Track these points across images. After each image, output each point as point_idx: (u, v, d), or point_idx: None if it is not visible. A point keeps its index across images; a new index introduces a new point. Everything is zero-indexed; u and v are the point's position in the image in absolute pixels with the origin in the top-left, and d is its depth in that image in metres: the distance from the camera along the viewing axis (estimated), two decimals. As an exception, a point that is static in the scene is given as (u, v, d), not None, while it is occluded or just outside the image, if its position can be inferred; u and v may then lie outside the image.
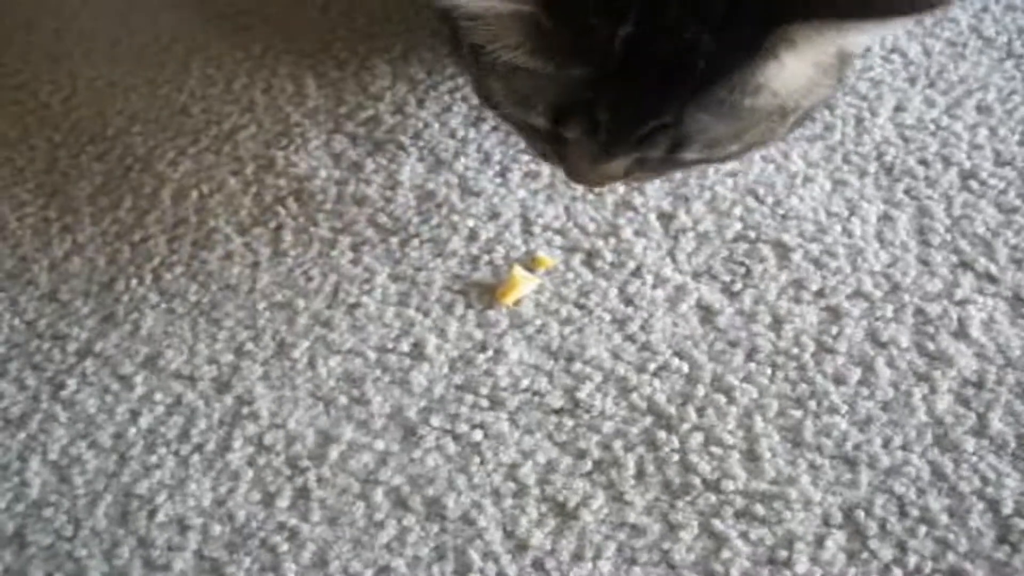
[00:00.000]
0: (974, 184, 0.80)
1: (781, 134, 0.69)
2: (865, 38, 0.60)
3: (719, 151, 0.66)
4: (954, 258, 0.76)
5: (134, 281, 0.81)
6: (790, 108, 0.64)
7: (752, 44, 0.59)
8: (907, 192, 0.81)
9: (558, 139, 0.67)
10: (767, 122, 0.65)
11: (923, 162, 0.82)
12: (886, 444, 0.66)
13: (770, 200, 0.81)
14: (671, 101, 0.62)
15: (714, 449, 0.67)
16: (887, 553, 0.61)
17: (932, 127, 0.85)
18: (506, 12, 0.59)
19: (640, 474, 0.66)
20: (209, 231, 0.84)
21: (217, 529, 0.66)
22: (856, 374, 0.70)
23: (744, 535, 0.63)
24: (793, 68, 0.61)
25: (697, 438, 0.67)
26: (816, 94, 0.65)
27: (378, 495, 0.67)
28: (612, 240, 0.79)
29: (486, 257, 0.79)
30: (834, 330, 0.72)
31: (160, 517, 0.67)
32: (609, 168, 0.68)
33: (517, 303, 0.76)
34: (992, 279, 0.74)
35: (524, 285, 0.76)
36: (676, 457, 0.67)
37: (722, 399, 0.69)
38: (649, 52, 0.60)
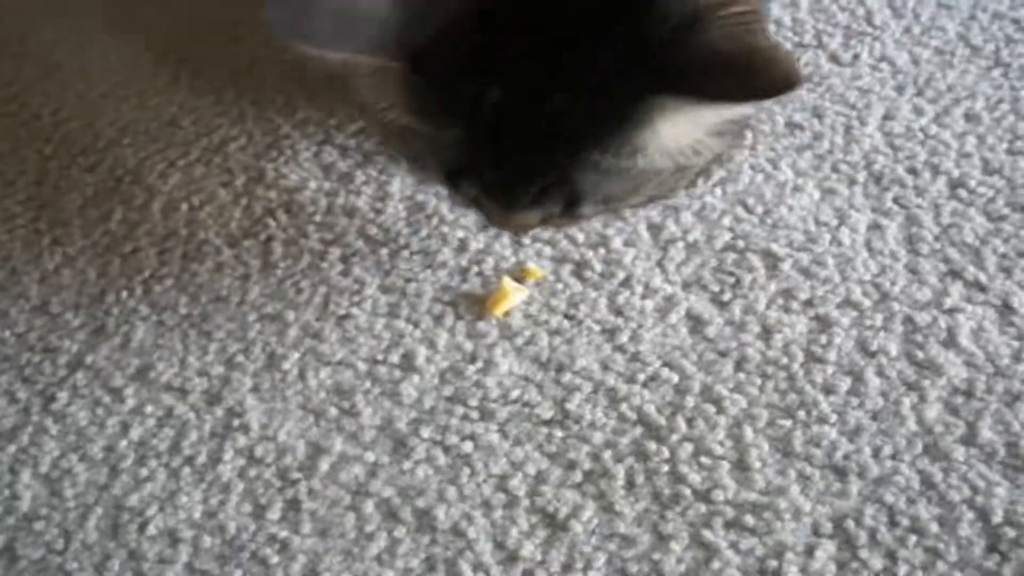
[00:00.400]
0: (963, 192, 0.81)
1: (684, 185, 0.70)
2: (732, 114, 0.61)
3: (619, 204, 0.67)
4: (943, 267, 0.76)
5: (124, 293, 0.81)
6: (684, 165, 0.65)
7: (622, 112, 0.60)
8: (896, 201, 0.81)
9: (461, 195, 0.68)
10: (664, 177, 0.65)
11: (912, 171, 0.83)
12: (876, 453, 0.66)
13: (759, 210, 0.81)
14: (552, 163, 0.62)
15: (704, 459, 0.67)
16: (877, 563, 0.61)
17: (921, 136, 0.85)
18: (373, 69, 0.60)
19: (630, 485, 0.66)
20: (199, 243, 0.84)
21: (208, 541, 0.66)
22: (846, 383, 0.70)
23: (734, 545, 0.63)
24: (672, 133, 0.61)
25: (687, 448, 0.67)
26: (712, 152, 0.65)
27: (368, 507, 0.67)
28: (601, 250, 0.79)
29: (476, 268, 0.79)
30: (823, 339, 0.72)
31: (151, 530, 0.67)
32: (519, 220, 0.68)
33: (507, 314, 0.76)
34: (981, 287, 0.74)
35: (514, 296, 0.76)
36: (666, 467, 0.67)
37: (712, 409, 0.69)
38: (522, 116, 0.60)
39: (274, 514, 0.67)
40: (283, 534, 0.66)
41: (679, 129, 0.61)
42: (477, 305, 0.77)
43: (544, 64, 0.60)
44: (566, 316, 0.76)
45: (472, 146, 0.62)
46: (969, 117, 0.86)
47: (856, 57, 0.91)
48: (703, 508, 0.64)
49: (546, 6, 0.60)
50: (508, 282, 0.77)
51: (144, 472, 0.70)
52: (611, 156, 0.61)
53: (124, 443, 0.72)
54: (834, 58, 0.92)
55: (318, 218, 0.84)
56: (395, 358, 0.74)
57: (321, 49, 0.58)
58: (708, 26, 0.59)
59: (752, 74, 0.57)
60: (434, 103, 0.61)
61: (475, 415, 0.71)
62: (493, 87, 0.60)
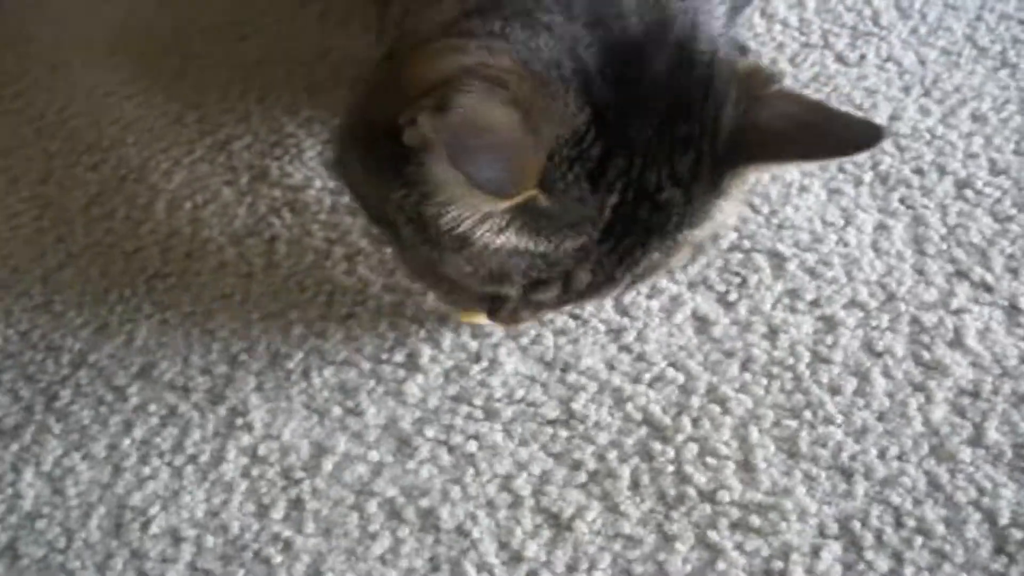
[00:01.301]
0: (969, 193, 0.80)
1: (692, 261, 0.74)
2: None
3: (643, 281, 0.67)
4: (950, 267, 0.76)
5: (127, 291, 0.81)
6: (710, 237, 0.67)
7: (712, 190, 0.61)
8: (902, 201, 0.80)
9: (496, 298, 0.66)
10: (692, 251, 0.67)
11: (918, 171, 0.82)
12: (882, 454, 0.66)
13: (765, 210, 0.80)
14: (646, 253, 0.62)
15: (709, 460, 0.66)
16: (883, 564, 0.61)
17: (927, 136, 0.85)
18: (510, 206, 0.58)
19: (635, 485, 0.66)
20: (203, 241, 0.83)
21: (211, 541, 0.66)
22: (852, 384, 0.69)
23: (740, 546, 0.62)
24: (733, 201, 0.63)
25: (692, 449, 0.67)
26: (734, 218, 0.68)
27: (372, 506, 0.66)
28: (607, 250, 0.79)
29: (481, 267, 0.79)
30: (829, 340, 0.72)
31: (153, 529, 0.67)
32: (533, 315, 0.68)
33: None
34: (988, 288, 0.74)
35: None
36: (671, 468, 0.66)
37: (717, 409, 0.69)
38: (632, 215, 0.60)
39: (277, 513, 0.67)
40: (286, 533, 0.66)
41: (736, 200, 0.63)
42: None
43: (649, 159, 0.59)
44: (571, 316, 0.75)
45: (577, 253, 0.61)
46: (976, 118, 0.86)
47: (863, 57, 0.91)
48: (708, 509, 0.64)
49: (635, 96, 0.60)
50: None
51: (147, 471, 0.70)
52: (690, 231, 0.63)
53: (127, 442, 0.71)
54: (840, 58, 0.91)
55: (322, 217, 0.84)
56: (399, 357, 0.74)
57: (486, 194, 0.55)
58: (767, 92, 0.61)
59: (840, 131, 0.60)
60: (556, 218, 0.58)
61: (480, 415, 0.70)
62: (613, 193, 0.59)
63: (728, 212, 0.64)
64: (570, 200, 0.58)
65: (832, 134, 0.60)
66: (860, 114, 0.86)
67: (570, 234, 0.59)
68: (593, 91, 0.58)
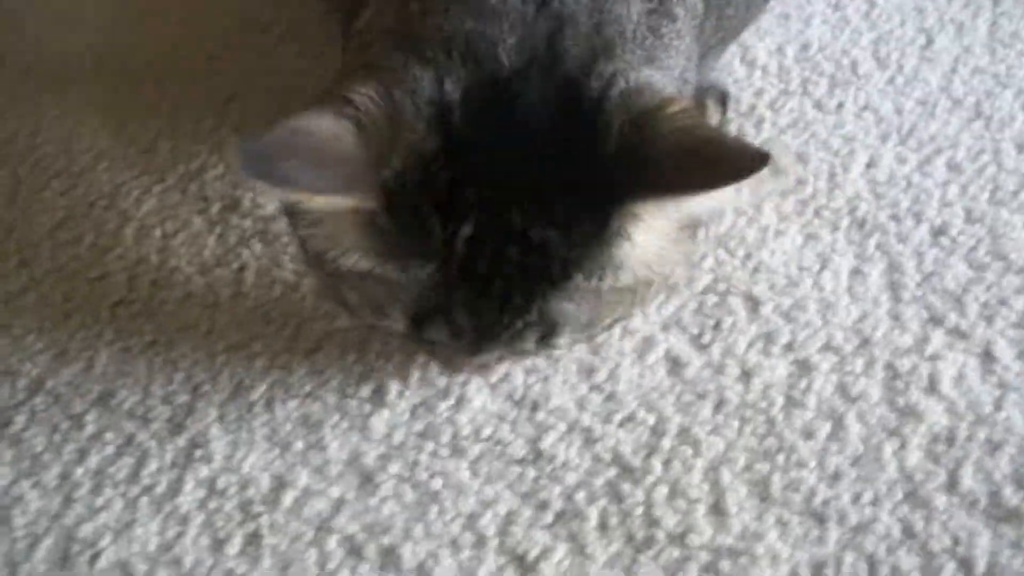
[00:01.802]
0: (945, 240, 0.80)
1: (649, 302, 0.69)
2: (701, 208, 0.61)
3: (591, 331, 0.65)
4: (925, 313, 0.75)
5: (90, 318, 0.79)
6: (652, 280, 0.64)
7: (599, 230, 0.59)
8: (878, 247, 0.80)
9: (423, 340, 0.65)
10: (634, 295, 0.64)
11: (894, 217, 0.82)
12: (855, 500, 0.65)
13: (741, 253, 0.80)
14: (531, 298, 0.60)
15: (679, 502, 0.65)
16: (855, 612, 0.60)
17: (904, 183, 0.85)
18: (344, 210, 0.59)
19: (603, 527, 0.64)
20: (170, 270, 0.82)
21: (162, 575, 0.63)
22: (825, 428, 0.69)
23: (709, 591, 0.61)
24: (646, 240, 0.60)
25: (662, 491, 0.66)
26: (672, 264, 0.64)
27: (331, 543, 0.65)
28: (580, 288, 0.78)
29: (451, 301, 0.78)
30: (803, 384, 0.71)
31: (102, 562, 0.65)
32: (481, 360, 0.66)
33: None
34: (962, 335, 0.74)
35: None
36: (640, 510, 0.65)
37: (688, 451, 0.68)
38: (496, 252, 0.59)
39: (233, 548, 0.65)
40: (241, 569, 0.64)
41: (651, 236, 0.60)
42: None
43: (513, 194, 0.59)
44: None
45: (442, 287, 0.60)
46: (951, 166, 0.86)
47: (841, 105, 0.91)
48: (677, 552, 0.63)
49: (504, 131, 0.60)
50: None
51: (99, 501, 0.68)
52: (594, 279, 0.60)
53: (80, 471, 0.69)
54: (819, 105, 0.91)
55: (292, 248, 0.82)
56: (365, 392, 0.73)
57: (293, 190, 0.57)
58: (660, 125, 0.59)
59: (721, 160, 0.58)
60: (404, 244, 0.59)
61: (445, 452, 0.69)
62: (465, 223, 0.58)
63: (651, 253, 0.61)
64: (415, 225, 0.58)
65: (721, 162, 0.58)
66: (833, 160, 0.86)
67: (418, 262, 0.59)
68: (450, 122, 0.59)
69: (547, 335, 0.62)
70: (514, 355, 0.67)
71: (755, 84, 0.93)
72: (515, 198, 0.59)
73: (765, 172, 0.56)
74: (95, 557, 0.65)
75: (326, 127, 0.58)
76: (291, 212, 0.64)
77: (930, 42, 0.97)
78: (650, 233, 0.60)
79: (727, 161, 0.58)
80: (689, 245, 0.66)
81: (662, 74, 0.65)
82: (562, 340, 0.63)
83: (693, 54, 0.72)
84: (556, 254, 0.59)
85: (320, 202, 0.58)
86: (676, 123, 0.59)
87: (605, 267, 0.60)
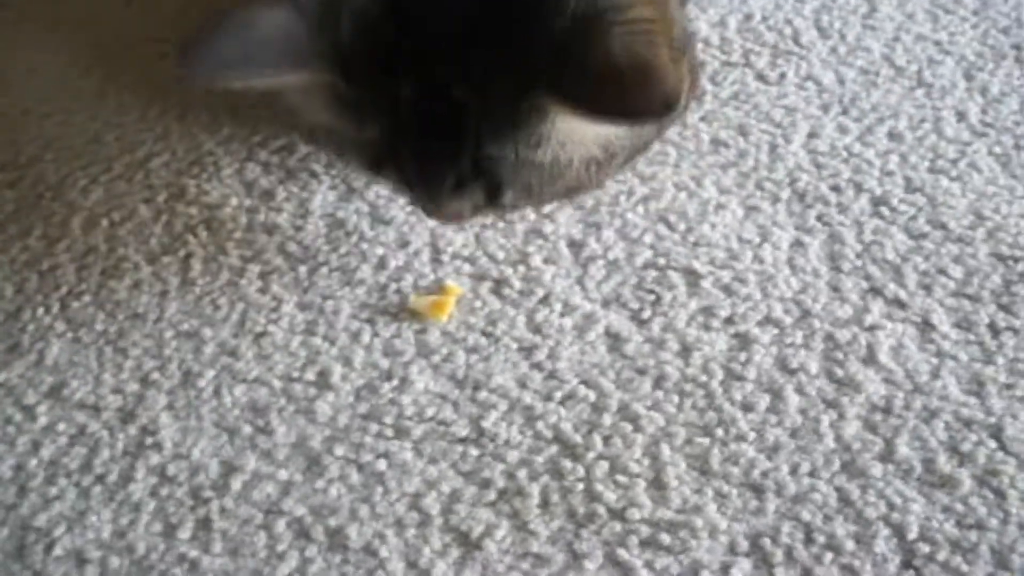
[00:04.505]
0: (885, 210, 0.81)
1: (606, 177, 0.72)
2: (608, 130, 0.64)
3: (540, 195, 0.69)
4: (864, 284, 0.76)
5: (40, 310, 0.79)
6: (602, 157, 0.66)
7: (515, 106, 0.62)
8: (819, 218, 0.81)
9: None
10: (578, 170, 0.67)
11: (835, 188, 0.83)
12: (793, 471, 0.66)
13: (682, 227, 0.81)
14: (462, 155, 0.64)
15: (620, 478, 0.66)
16: (792, 580, 0.61)
17: (844, 154, 0.85)
18: (300, 85, 0.64)
19: (545, 503, 0.65)
20: (118, 260, 0.82)
21: (116, 562, 0.64)
22: (765, 401, 0.70)
23: (649, 564, 0.62)
24: (570, 127, 0.62)
25: (603, 467, 0.67)
26: (624, 146, 0.67)
27: (280, 526, 0.65)
28: (521, 268, 0.79)
29: (394, 286, 0.79)
30: (743, 357, 0.72)
31: (57, 551, 0.65)
32: (448, 209, 0.70)
33: (422, 331, 0.75)
34: (901, 304, 0.75)
35: (453, 297, 0.77)
36: (581, 486, 0.66)
37: (628, 427, 0.69)
38: (433, 111, 0.63)
39: (185, 533, 0.65)
40: (193, 553, 0.64)
41: (577, 123, 0.62)
42: (395, 322, 0.76)
43: (450, 60, 0.62)
44: (484, 334, 0.75)
45: (391, 142, 0.65)
46: (892, 136, 0.87)
47: (782, 76, 0.92)
48: (618, 527, 0.64)
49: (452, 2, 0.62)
50: (450, 283, 0.77)
51: (53, 491, 0.68)
52: (518, 147, 0.63)
53: (34, 462, 0.70)
54: (761, 77, 0.92)
55: (238, 235, 0.83)
56: (311, 375, 0.73)
57: (242, 80, 0.60)
58: (606, 30, 0.59)
59: (632, 92, 0.58)
60: (359, 105, 0.63)
61: (390, 433, 0.70)
62: (406, 85, 0.62)
63: (582, 133, 0.63)
64: (367, 87, 0.62)
65: (633, 97, 0.58)
66: (774, 131, 0.87)
67: (370, 122, 0.65)
68: None
69: (493, 192, 0.67)
70: (474, 211, 0.71)
71: (697, 56, 0.94)
72: (442, 58, 0.62)
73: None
74: (50, 546, 0.65)
75: (265, 16, 0.61)
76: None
77: (873, 10, 0.97)
78: (568, 123, 0.62)
79: (637, 96, 0.58)
80: (649, 132, 0.69)
81: None
82: (507, 199, 0.68)
83: None
84: (473, 115, 0.62)
85: (274, 83, 0.63)
86: (626, 34, 0.59)
87: (525, 140, 0.63)
